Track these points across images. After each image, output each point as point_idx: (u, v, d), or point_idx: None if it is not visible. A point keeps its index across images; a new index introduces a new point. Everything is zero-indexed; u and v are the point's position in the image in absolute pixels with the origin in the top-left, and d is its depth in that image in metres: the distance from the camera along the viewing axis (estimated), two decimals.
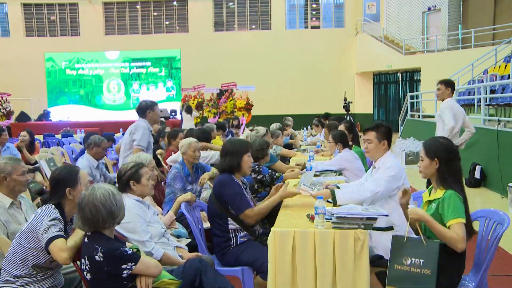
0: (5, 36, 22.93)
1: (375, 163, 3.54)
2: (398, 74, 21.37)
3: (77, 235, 2.61)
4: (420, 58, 19.01)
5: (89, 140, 5.48)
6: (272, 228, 2.85)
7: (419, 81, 19.55)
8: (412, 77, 20.91)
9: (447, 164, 2.74)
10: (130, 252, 2.44)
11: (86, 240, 2.48)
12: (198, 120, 16.04)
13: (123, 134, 12.83)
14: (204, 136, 6.18)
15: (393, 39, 20.39)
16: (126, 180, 3.18)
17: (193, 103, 16.15)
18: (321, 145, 7.39)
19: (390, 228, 3.14)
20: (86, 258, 2.41)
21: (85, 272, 2.43)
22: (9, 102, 16.97)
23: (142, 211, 3.13)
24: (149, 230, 3.09)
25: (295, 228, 2.83)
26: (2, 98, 16.96)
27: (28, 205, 3.34)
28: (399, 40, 20.02)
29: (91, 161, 5.40)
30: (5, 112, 16.47)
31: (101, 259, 2.36)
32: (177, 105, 19.39)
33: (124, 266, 2.39)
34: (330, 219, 2.79)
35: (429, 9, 19.62)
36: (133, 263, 2.41)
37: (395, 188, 3.28)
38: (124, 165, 3.32)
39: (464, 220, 2.58)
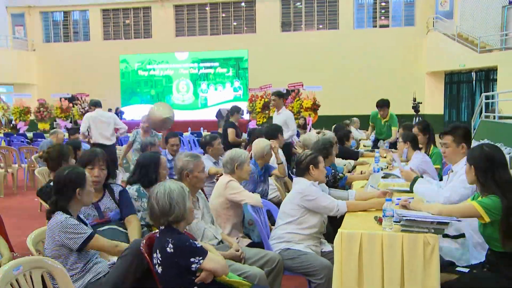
0: (86, 40, 24.34)
1: (453, 167, 3.44)
2: (472, 73, 20.44)
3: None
4: (497, 56, 18.04)
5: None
6: (339, 230, 2.84)
7: (495, 80, 18.57)
8: (487, 76, 19.92)
9: (486, 172, 2.70)
10: (199, 245, 2.52)
11: (158, 234, 2.59)
12: (265, 120, 16.19)
13: (191, 133, 13.25)
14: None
15: (467, 36, 19.51)
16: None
17: (259, 103, 16.31)
18: (387, 147, 7.24)
19: (462, 235, 3.05)
20: (158, 251, 2.50)
21: (156, 266, 2.52)
22: (87, 102, 17.94)
23: None
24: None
25: (362, 230, 2.81)
26: (81, 98, 17.99)
27: (204, 203, 3.42)
28: (473, 37, 19.12)
29: None
30: (83, 112, 17.43)
31: (172, 251, 2.45)
32: (244, 105, 19.64)
33: (192, 260, 2.46)
34: (399, 221, 2.75)
35: (510, 2, 18.52)
36: (201, 258, 2.48)
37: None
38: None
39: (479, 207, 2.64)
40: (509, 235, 2.60)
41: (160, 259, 2.49)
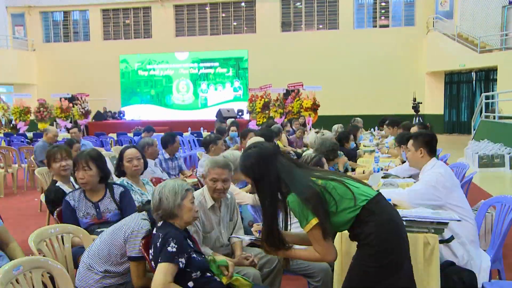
0: (86, 40, 24.36)
1: (420, 173, 3.53)
2: (472, 73, 20.45)
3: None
4: (497, 56, 18.05)
5: (141, 144, 5.60)
6: None
7: (495, 80, 18.57)
8: (487, 76, 19.93)
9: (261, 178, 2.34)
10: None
11: (154, 231, 2.58)
12: (264, 120, 16.18)
13: (191, 133, 13.24)
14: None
15: (467, 36, 19.52)
16: None
17: (259, 103, 16.30)
18: (389, 147, 7.25)
19: (451, 238, 3.06)
20: (152, 247, 2.52)
21: (152, 261, 2.53)
22: (87, 102, 17.96)
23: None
24: None
25: None
26: (81, 98, 18.00)
27: (226, 210, 3.28)
28: (474, 37, 19.13)
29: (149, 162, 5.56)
30: (83, 112, 17.45)
31: (159, 245, 2.46)
32: (244, 105, 19.66)
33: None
34: None
35: (510, 2, 18.50)
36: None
37: (435, 197, 3.20)
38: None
39: (315, 220, 2.17)
40: None
41: (152, 254, 2.51)
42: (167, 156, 5.90)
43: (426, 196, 3.20)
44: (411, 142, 3.54)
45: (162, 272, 2.41)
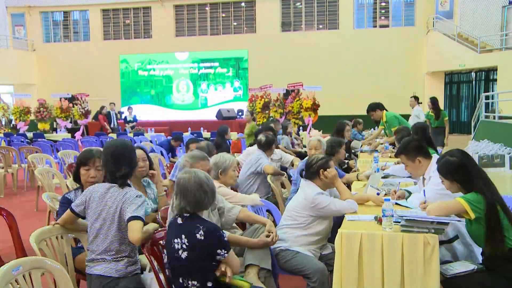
0: (86, 40, 24.36)
1: (424, 175, 3.50)
2: (472, 73, 20.43)
3: (151, 227, 2.77)
4: (497, 56, 18.04)
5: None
6: (339, 230, 2.85)
7: (495, 80, 18.55)
8: (487, 77, 19.91)
9: (468, 180, 2.77)
10: (226, 239, 2.57)
11: (180, 221, 2.59)
12: (264, 120, 16.17)
13: (191, 134, 13.23)
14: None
15: (467, 36, 19.50)
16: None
17: (259, 103, 16.29)
18: (389, 147, 7.26)
19: (455, 238, 3.06)
20: (184, 237, 2.52)
21: (180, 251, 2.53)
22: (87, 102, 17.95)
23: None
24: None
25: (362, 230, 2.81)
26: (81, 98, 17.98)
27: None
28: (474, 37, 19.12)
29: None
30: (83, 112, 17.44)
31: (202, 238, 2.49)
32: (244, 105, 19.65)
33: (219, 251, 2.51)
34: (399, 222, 2.75)
35: (510, 2, 18.50)
36: (226, 251, 2.52)
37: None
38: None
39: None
40: (492, 235, 2.61)
41: (186, 244, 2.52)
42: None
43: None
44: (404, 157, 3.51)
45: (234, 258, 2.61)
